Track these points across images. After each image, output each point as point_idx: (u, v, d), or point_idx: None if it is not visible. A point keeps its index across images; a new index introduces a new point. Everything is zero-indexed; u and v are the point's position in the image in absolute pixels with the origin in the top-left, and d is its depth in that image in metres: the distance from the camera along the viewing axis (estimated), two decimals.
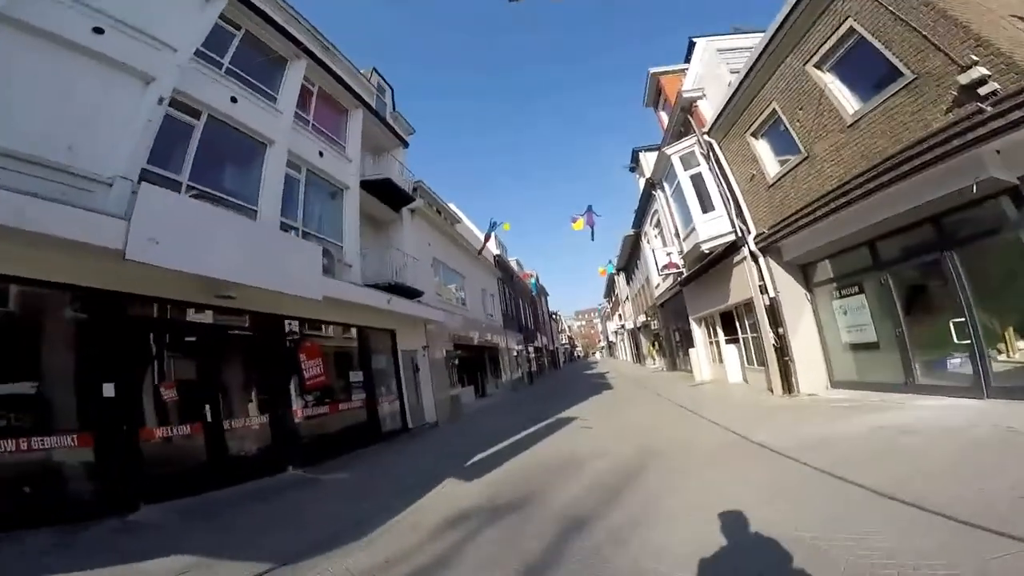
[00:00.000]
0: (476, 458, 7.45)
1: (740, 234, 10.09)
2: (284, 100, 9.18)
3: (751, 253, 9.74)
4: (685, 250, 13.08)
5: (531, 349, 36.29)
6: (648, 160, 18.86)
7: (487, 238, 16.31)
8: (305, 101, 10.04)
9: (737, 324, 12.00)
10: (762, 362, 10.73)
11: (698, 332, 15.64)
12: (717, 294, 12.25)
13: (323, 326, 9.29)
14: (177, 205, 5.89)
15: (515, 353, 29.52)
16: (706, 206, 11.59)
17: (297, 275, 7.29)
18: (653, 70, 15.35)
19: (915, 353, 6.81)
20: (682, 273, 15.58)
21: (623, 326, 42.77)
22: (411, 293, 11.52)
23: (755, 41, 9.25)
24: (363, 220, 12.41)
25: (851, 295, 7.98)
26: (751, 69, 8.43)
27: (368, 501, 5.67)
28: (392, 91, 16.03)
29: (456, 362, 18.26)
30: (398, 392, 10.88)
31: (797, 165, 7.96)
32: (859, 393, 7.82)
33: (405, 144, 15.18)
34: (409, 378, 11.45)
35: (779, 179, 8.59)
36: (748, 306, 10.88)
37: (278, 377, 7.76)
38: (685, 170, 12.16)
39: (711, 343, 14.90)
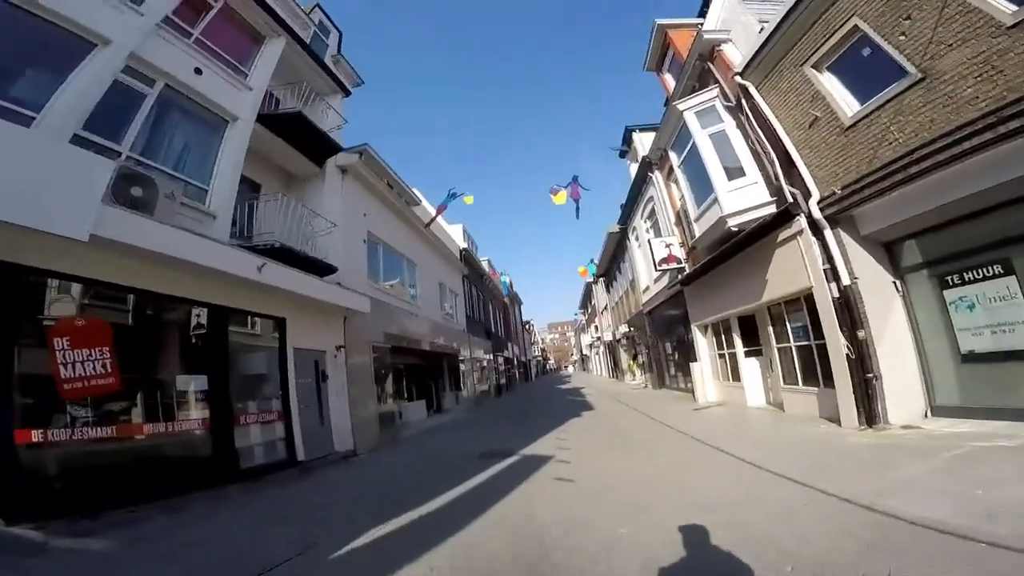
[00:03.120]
0: (360, 541, 4.05)
1: (792, 199, 7.11)
2: (154, 3, 6.45)
3: (811, 224, 6.76)
4: (698, 234, 10.09)
5: (500, 359, 32.84)
6: (643, 141, 16.18)
7: (441, 209, 12.80)
8: (196, 11, 7.48)
9: (771, 330, 8.98)
10: (811, 380, 7.74)
11: (702, 342, 12.64)
12: (741, 290, 9.26)
13: (145, 298, 5.72)
14: None
15: (483, 363, 26.03)
16: (732, 172, 8.77)
17: (34, 195, 3.81)
18: (660, 22, 12.63)
19: None
20: (683, 269, 12.73)
21: (599, 338, 39.83)
22: (317, 268, 7.96)
23: None
24: (272, 173, 9.89)
25: (984, 278, 5.11)
26: None
27: None
28: (340, 35, 13.35)
29: (402, 368, 14.77)
30: (283, 408, 7.27)
31: (904, 91, 5.20)
32: (989, 424, 5.05)
33: (346, 92, 12.53)
34: (307, 389, 7.83)
35: (867, 115, 5.75)
36: (794, 303, 7.90)
37: None
38: (703, 128, 9.33)
39: (720, 356, 11.88)
